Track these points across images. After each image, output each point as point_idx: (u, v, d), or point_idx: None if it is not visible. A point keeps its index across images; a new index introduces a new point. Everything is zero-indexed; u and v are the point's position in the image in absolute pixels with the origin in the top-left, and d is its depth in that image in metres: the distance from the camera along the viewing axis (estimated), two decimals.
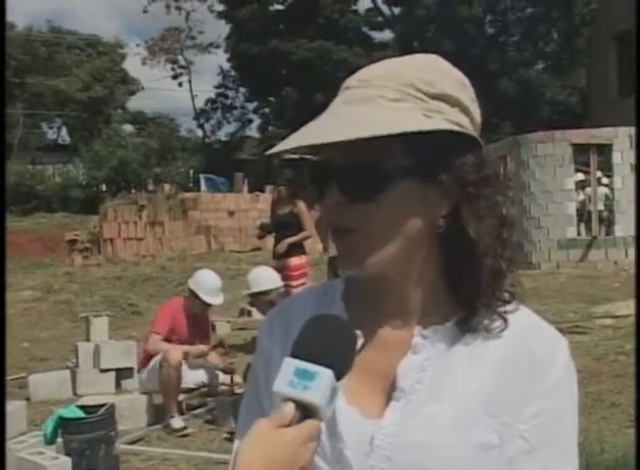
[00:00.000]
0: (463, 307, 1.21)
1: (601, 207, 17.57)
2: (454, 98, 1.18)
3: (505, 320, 1.21)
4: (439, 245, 1.20)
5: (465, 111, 1.19)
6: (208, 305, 7.45)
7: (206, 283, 7.43)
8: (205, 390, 7.56)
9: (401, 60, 1.22)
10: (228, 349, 7.60)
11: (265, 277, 7.56)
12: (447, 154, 1.15)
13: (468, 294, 1.20)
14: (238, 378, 7.23)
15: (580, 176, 17.92)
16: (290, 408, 1.05)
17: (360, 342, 1.21)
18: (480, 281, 1.18)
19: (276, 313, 1.37)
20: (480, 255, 1.17)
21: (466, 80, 1.22)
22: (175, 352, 6.95)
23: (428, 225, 1.18)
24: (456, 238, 1.18)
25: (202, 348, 7.34)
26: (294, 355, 1.08)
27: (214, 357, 7.58)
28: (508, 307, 1.22)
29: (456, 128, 1.15)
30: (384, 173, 1.14)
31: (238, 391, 6.99)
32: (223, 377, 7.46)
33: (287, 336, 1.26)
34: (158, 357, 7.02)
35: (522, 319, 1.23)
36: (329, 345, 1.09)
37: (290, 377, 1.06)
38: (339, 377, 1.08)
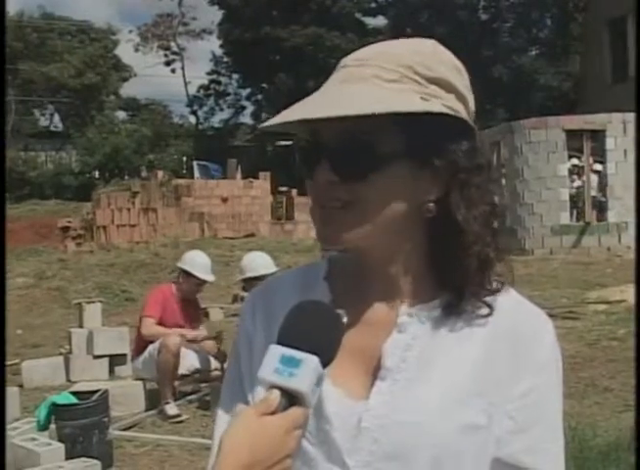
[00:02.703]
0: (450, 293, 1.20)
1: (595, 193, 17.54)
2: (451, 84, 1.17)
3: (491, 306, 1.20)
4: (428, 230, 1.20)
5: (461, 98, 1.18)
6: (203, 281, 7.50)
7: (199, 262, 7.52)
8: (197, 376, 7.58)
9: (400, 42, 1.21)
10: (222, 343, 7.62)
11: (260, 263, 7.49)
12: (441, 139, 1.15)
13: (455, 281, 1.19)
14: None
15: (576, 161, 17.90)
16: (275, 396, 1.04)
17: (345, 321, 1.19)
18: (467, 268, 1.18)
19: (258, 294, 1.36)
20: (468, 242, 1.17)
21: (462, 68, 1.22)
22: (174, 337, 6.96)
23: (416, 209, 1.17)
24: (445, 224, 1.17)
25: (198, 333, 7.34)
26: (279, 342, 1.07)
27: (208, 343, 7.60)
28: (494, 293, 1.21)
29: (453, 113, 1.14)
30: (377, 154, 1.13)
31: None
32: (215, 363, 7.46)
33: (269, 317, 1.26)
34: (156, 344, 7.02)
35: (508, 300, 1.23)
36: (315, 331, 1.08)
37: (275, 364, 1.05)
38: (325, 364, 1.07)
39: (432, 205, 1.17)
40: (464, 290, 1.19)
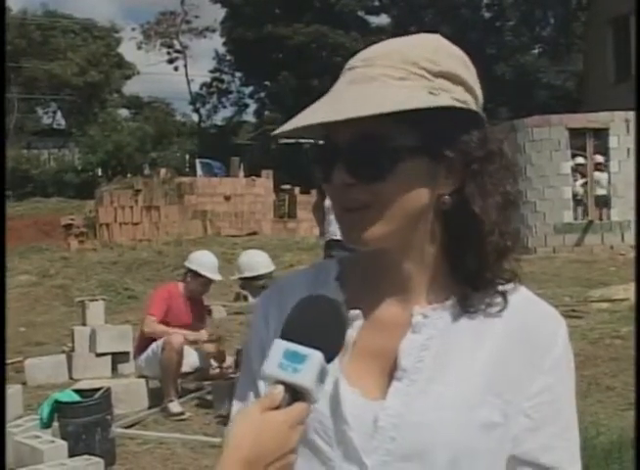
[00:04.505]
0: (464, 286, 1.21)
1: (598, 191, 17.48)
2: (458, 76, 1.18)
3: (505, 299, 1.21)
4: (443, 222, 1.20)
5: (469, 89, 1.19)
6: (211, 281, 7.50)
7: (207, 261, 7.52)
8: (199, 374, 7.59)
9: (404, 39, 1.22)
10: (222, 344, 7.62)
11: (259, 261, 7.32)
12: (453, 131, 1.16)
13: (470, 272, 1.20)
14: (230, 360, 7.30)
15: (580, 160, 17.84)
16: (279, 391, 1.04)
17: (359, 322, 1.21)
18: (483, 258, 1.19)
19: (269, 295, 1.36)
20: (484, 231, 1.18)
21: (468, 60, 1.23)
22: (177, 335, 6.96)
23: (433, 202, 1.18)
24: (461, 215, 1.18)
25: (200, 335, 7.32)
26: (283, 337, 1.07)
27: (207, 344, 7.60)
28: (508, 286, 1.22)
29: (462, 105, 1.16)
30: (391, 153, 1.13)
31: (232, 374, 7.00)
32: (214, 363, 7.48)
33: (282, 318, 1.24)
34: (159, 342, 7.03)
35: (521, 298, 1.24)
36: (319, 326, 1.08)
37: (279, 359, 1.05)
38: (329, 359, 1.07)
39: (447, 197, 1.18)
40: (478, 281, 1.20)
